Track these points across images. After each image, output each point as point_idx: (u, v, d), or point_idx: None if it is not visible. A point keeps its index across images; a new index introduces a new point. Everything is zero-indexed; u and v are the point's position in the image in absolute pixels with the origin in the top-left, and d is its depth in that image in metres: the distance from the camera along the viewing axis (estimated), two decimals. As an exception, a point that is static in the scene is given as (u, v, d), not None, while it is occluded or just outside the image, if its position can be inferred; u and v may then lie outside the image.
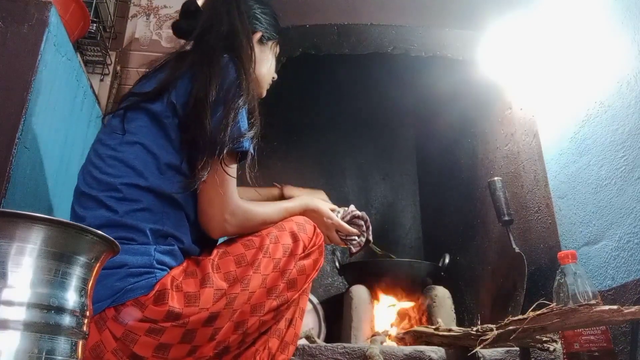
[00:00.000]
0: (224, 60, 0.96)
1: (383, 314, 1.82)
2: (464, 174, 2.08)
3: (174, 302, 0.81)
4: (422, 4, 1.71)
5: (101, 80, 1.77)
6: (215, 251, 0.92)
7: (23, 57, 1.11)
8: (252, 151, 0.96)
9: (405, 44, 1.74)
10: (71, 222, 0.54)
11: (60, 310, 0.52)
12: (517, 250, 1.53)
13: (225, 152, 0.88)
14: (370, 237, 1.16)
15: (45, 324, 0.50)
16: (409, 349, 1.23)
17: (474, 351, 1.13)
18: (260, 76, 1.16)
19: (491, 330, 1.08)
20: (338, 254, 2.01)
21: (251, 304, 0.88)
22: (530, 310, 1.05)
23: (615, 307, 0.92)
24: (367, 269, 1.87)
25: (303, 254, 0.96)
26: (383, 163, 2.49)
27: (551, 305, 1.01)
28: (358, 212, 1.16)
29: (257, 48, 1.13)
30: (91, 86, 1.45)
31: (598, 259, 1.28)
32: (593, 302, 1.02)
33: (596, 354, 1.05)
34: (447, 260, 1.86)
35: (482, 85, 1.84)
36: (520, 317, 1.05)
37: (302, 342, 1.36)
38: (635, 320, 0.94)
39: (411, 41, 1.73)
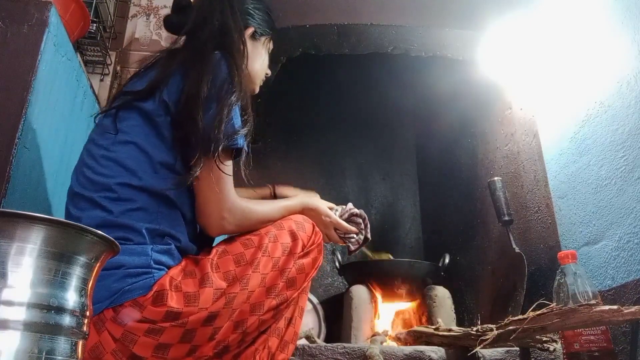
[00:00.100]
0: (216, 57, 0.95)
1: (383, 314, 1.82)
2: (464, 174, 2.08)
3: (173, 302, 0.81)
4: (422, 4, 1.71)
5: (101, 80, 1.77)
6: (214, 250, 0.91)
7: (23, 57, 1.11)
8: (246, 148, 0.95)
9: (405, 44, 1.74)
10: (71, 222, 0.54)
11: (60, 310, 0.52)
12: (517, 250, 1.53)
13: (219, 149, 0.88)
14: (369, 235, 1.16)
15: (45, 324, 0.50)
16: (409, 349, 1.23)
17: (474, 351, 1.13)
18: (252, 72, 1.16)
19: (491, 330, 1.08)
20: (338, 254, 2.01)
21: (250, 303, 0.88)
22: (530, 310, 1.05)
23: (615, 307, 0.92)
24: (367, 269, 1.87)
25: (302, 253, 0.96)
26: (383, 163, 2.49)
27: (551, 305, 1.01)
28: (356, 210, 1.16)
29: (249, 44, 1.12)
30: (91, 86, 1.45)
31: (598, 259, 1.28)
32: (593, 302, 1.02)
33: (596, 354, 1.05)
34: (447, 260, 1.86)
35: (482, 85, 1.83)
36: (520, 317, 1.05)
37: (302, 342, 1.36)
38: (635, 320, 0.94)
39: (411, 41, 1.73)
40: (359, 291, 1.76)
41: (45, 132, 1.16)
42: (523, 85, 1.70)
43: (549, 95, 1.57)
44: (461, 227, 2.04)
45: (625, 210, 1.20)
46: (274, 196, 1.33)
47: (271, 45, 1.22)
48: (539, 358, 1.21)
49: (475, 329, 1.14)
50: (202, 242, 0.97)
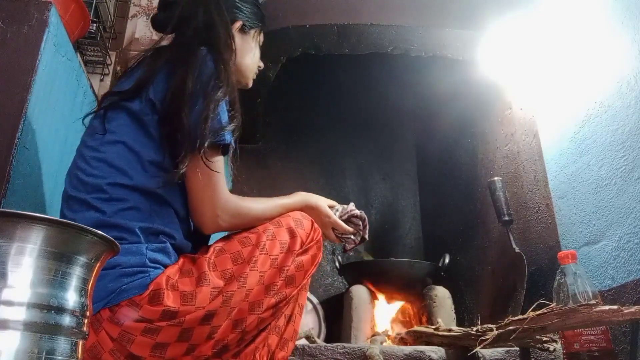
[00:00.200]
0: (202, 53, 0.94)
1: (383, 314, 1.82)
2: (464, 174, 2.08)
3: (170, 301, 0.81)
4: (422, 4, 1.71)
5: (101, 80, 1.77)
6: (211, 249, 0.91)
7: (23, 57, 1.11)
8: (233, 144, 0.94)
9: (405, 44, 1.74)
10: (71, 222, 0.54)
11: (60, 310, 0.52)
12: (517, 250, 1.53)
13: (206, 145, 0.87)
14: (367, 236, 1.16)
15: (45, 324, 0.50)
16: (409, 349, 1.23)
17: (474, 351, 1.13)
18: (243, 66, 1.15)
19: (491, 330, 1.08)
20: (338, 254, 2.02)
21: (249, 302, 0.87)
22: (530, 310, 1.05)
23: (615, 307, 0.92)
24: (367, 269, 1.87)
25: (301, 250, 0.96)
26: (383, 163, 2.49)
27: (551, 305, 1.01)
28: (357, 212, 1.16)
29: (238, 38, 1.11)
30: (91, 86, 1.45)
31: (598, 259, 1.28)
32: (593, 302, 1.02)
33: (596, 354, 1.05)
34: (447, 260, 1.86)
35: (482, 85, 1.83)
36: (520, 317, 1.05)
37: (302, 342, 1.36)
38: (635, 320, 0.94)
39: (411, 41, 1.73)
40: (359, 291, 1.77)
41: (45, 132, 1.16)
42: (523, 85, 1.70)
43: (549, 95, 1.57)
44: (461, 227, 2.04)
45: (625, 210, 1.20)
46: None
47: (262, 38, 1.21)
48: (539, 358, 1.21)
49: (475, 329, 1.14)
50: (197, 239, 0.97)
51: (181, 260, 0.89)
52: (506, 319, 1.08)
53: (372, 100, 2.50)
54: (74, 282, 0.54)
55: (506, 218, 1.58)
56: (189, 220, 0.96)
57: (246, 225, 0.97)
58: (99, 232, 0.56)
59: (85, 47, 1.73)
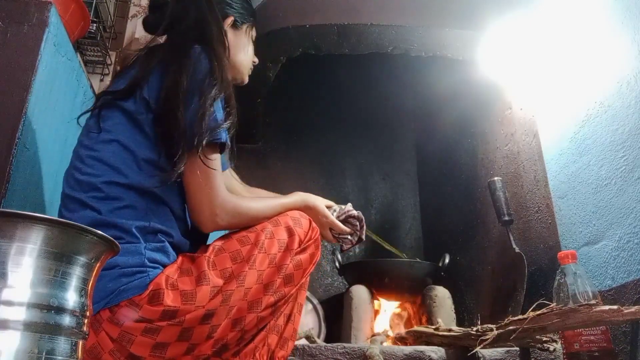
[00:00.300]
0: (196, 51, 0.94)
1: (383, 314, 1.82)
2: (464, 174, 2.08)
3: (170, 301, 0.81)
4: (422, 4, 1.71)
5: (101, 80, 1.77)
6: (210, 248, 0.91)
7: (23, 57, 1.11)
8: (228, 142, 0.94)
9: (405, 44, 1.74)
10: (71, 222, 0.54)
11: (60, 310, 0.52)
12: (517, 250, 1.53)
13: (203, 144, 0.87)
14: (363, 236, 1.16)
15: (45, 324, 0.50)
16: (409, 349, 1.23)
17: (474, 351, 1.13)
18: (237, 62, 1.15)
19: (491, 330, 1.08)
20: (338, 254, 2.02)
21: (248, 301, 0.87)
22: (530, 310, 1.05)
23: (615, 307, 0.92)
24: (367, 269, 1.87)
25: (299, 249, 0.96)
26: (383, 163, 2.49)
27: (551, 305, 1.01)
28: (354, 212, 1.16)
29: (230, 34, 1.11)
30: (91, 86, 1.45)
31: (598, 259, 1.28)
32: (593, 302, 1.02)
33: (596, 354, 1.05)
34: (447, 260, 1.86)
35: (482, 85, 1.83)
36: (520, 317, 1.05)
37: (302, 342, 1.36)
38: (635, 320, 0.94)
39: (411, 41, 1.73)
40: (359, 291, 1.77)
41: (45, 132, 1.16)
42: (523, 85, 1.70)
43: (549, 95, 1.57)
44: (461, 227, 2.04)
45: (625, 210, 1.20)
46: None
47: (254, 33, 1.21)
48: (539, 358, 1.21)
49: (475, 329, 1.14)
50: (195, 238, 0.97)
51: (180, 259, 0.89)
52: (506, 319, 1.08)
53: (372, 100, 2.50)
54: (74, 282, 0.54)
55: (506, 218, 1.58)
56: (186, 219, 0.96)
57: (245, 224, 0.97)
58: (99, 232, 0.56)
59: (85, 47, 1.73)
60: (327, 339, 1.86)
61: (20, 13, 1.14)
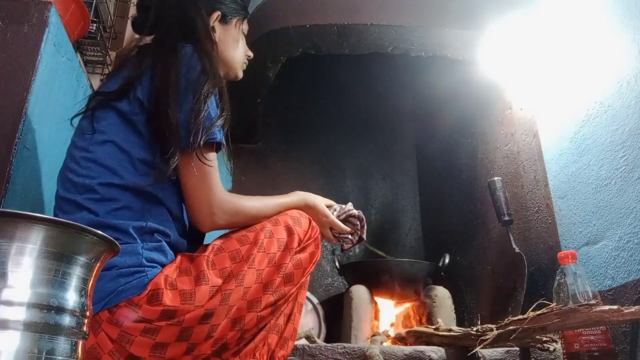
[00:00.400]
0: (187, 50, 0.94)
1: (383, 314, 1.82)
2: (464, 174, 2.08)
3: (169, 301, 0.81)
4: (422, 4, 1.71)
5: (101, 80, 1.77)
6: (209, 247, 0.91)
7: (23, 57, 1.11)
8: (223, 141, 0.94)
9: (405, 44, 1.74)
10: (71, 222, 0.54)
11: (60, 310, 0.52)
12: (517, 250, 1.53)
13: (199, 143, 0.87)
14: (364, 236, 1.16)
15: (45, 324, 0.50)
16: (409, 349, 1.23)
17: (474, 351, 1.13)
18: (228, 57, 1.13)
19: (491, 330, 1.08)
20: (338, 254, 2.02)
21: (247, 300, 0.87)
22: (530, 310, 1.05)
23: (615, 307, 0.92)
24: (367, 269, 1.87)
25: (299, 248, 0.96)
26: (383, 163, 2.49)
27: (551, 305, 1.01)
28: (355, 212, 1.16)
29: (219, 28, 1.10)
30: (91, 86, 1.45)
31: (598, 259, 1.28)
32: (593, 302, 1.02)
33: (596, 354, 1.05)
34: (447, 260, 1.86)
35: (482, 85, 1.83)
36: (520, 317, 1.05)
37: (302, 342, 1.36)
38: (635, 320, 0.94)
39: (411, 41, 1.73)
40: (359, 291, 1.76)
41: (46, 132, 1.16)
42: (523, 85, 1.70)
43: (549, 95, 1.57)
44: (461, 227, 2.04)
45: (625, 210, 1.20)
46: None
47: (245, 26, 1.19)
48: (539, 358, 1.21)
49: (475, 329, 1.14)
50: (192, 237, 0.97)
51: (179, 258, 0.89)
52: (506, 319, 1.08)
53: (372, 100, 2.50)
54: (74, 282, 0.54)
55: (506, 218, 1.58)
56: (183, 219, 0.96)
57: (244, 223, 0.96)
58: (99, 232, 0.56)
59: (85, 47, 1.73)
60: (327, 339, 1.86)
61: (20, 13, 1.14)
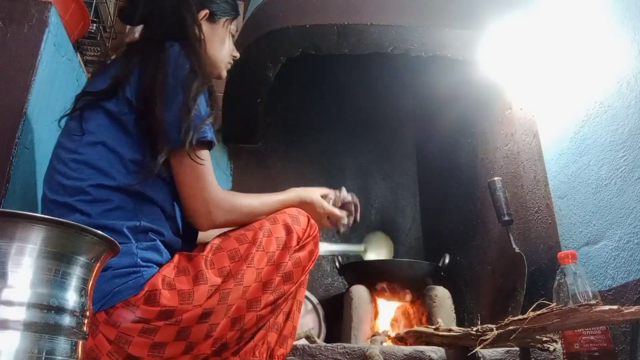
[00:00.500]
0: (172, 48, 0.93)
1: (383, 314, 1.82)
2: (464, 174, 2.08)
3: (166, 301, 0.81)
4: (422, 4, 1.70)
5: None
6: (208, 246, 0.91)
7: (23, 57, 1.11)
8: (214, 139, 0.94)
9: (405, 44, 1.74)
10: (71, 222, 0.54)
11: (60, 310, 0.52)
12: (517, 250, 1.53)
13: (189, 142, 0.87)
14: (358, 218, 1.19)
15: (45, 324, 0.50)
16: (409, 349, 1.23)
17: (474, 351, 1.13)
18: (213, 56, 1.13)
19: (491, 330, 1.08)
20: (338, 255, 2.01)
21: (247, 299, 0.87)
22: (530, 310, 1.05)
23: (615, 307, 0.92)
24: (367, 269, 1.87)
25: (297, 246, 0.96)
26: (383, 163, 2.49)
27: (551, 305, 1.01)
28: (349, 197, 1.19)
29: (206, 27, 1.09)
30: (91, 86, 1.45)
31: (598, 259, 1.28)
32: (593, 302, 1.02)
33: (596, 354, 1.05)
34: (447, 260, 1.86)
35: (482, 85, 1.83)
36: (520, 317, 1.05)
37: (302, 342, 1.36)
38: (635, 320, 0.94)
39: (411, 41, 1.73)
40: (359, 291, 1.76)
41: (46, 132, 1.16)
42: (523, 85, 1.70)
43: (549, 95, 1.57)
44: (461, 227, 2.04)
45: (625, 210, 1.20)
46: None
47: (234, 27, 1.19)
48: (539, 358, 1.21)
49: (475, 329, 1.14)
50: (185, 237, 0.97)
51: (177, 257, 0.89)
52: (506, 319, 1.08)
53: (372, 100, 2.50)
54: (74, 282, 0.54)
55: (506, 218, 1.58)
56: (176, 218, 0.95)
57: (242, 221, 0.96)
58: (99, 232, 0.56)
59: (85, 47, 1.73)
60: (327, 339, 1.86)
61: (20, 13, 1.14)
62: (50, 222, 0.52)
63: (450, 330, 1.24)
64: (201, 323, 0.83)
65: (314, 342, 1.40)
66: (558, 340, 1.14)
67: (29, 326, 0.49)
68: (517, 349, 1.21)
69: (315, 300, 1.95)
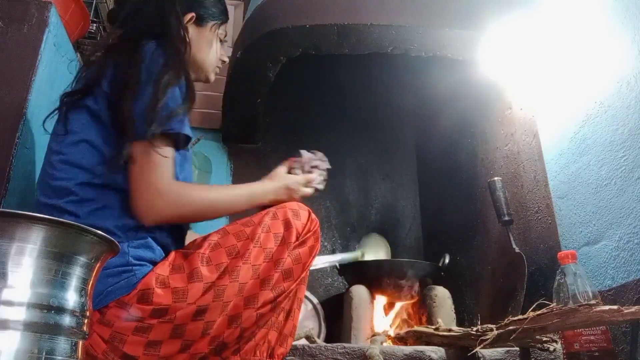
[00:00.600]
0: (148, 45, 0.93)
1: (383, 314, 1.82)
2: (464, 174, 2.08)
3: (159, 299, 0.81)
4: (422, 4, 1.70)
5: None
6: (206, 243, 0.90)
7: (23, 57, 1.11)
8: (185, 132, 0.92)
9: (405, 44, 1.74)
10: (71, 222, 0.54)
11: (60, 310, 0.52)
12: (517, 250, 1.53)
13: (152, 133, 0.86)
14: (329, 165, 1.19)
15: (45, 324, 0.50)
16: (409, 349, 1.23)
17: (474, 351, 1.13)
18: (199, 60, 1.13)
19: (491, 330, 1.08)
20: (338, 253, 2.01)
21: (244, 296, 0.86)
22: (530, 310, 1.05)
23: (615, 307, 0.92)
24: (367, 269, 1.87)
25: (297, 242, 0.94)
26: (383, 163, 2.49)
27: (551, 305, 1.01)
28: (313, 156, 1.18)
29: (193, 30, 1.10)
30: (91, 86, 1.45)
31: (598, 259, 1.28)
32: (593, 302, 1.02)
33: (596, 354, 1.05)
34: (447, 260, 1.86)
35: (482, 85, 1.83)
36: (520, 317, 1.05)
37: (302, 342, 1.36)
38: (635, 320, 0.94)
39: (411, 41, 1.73)
40: (359, 291, 1.76)
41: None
42: (523, 85, 1.70)
43: (549, 95, 1.57)
44: (461, 227, 2.04)
45: (625, 211, 1.20)
46: None
47: (222, 31, 1.19)
48: (539, 358, 1.21)
49: (475, 329, 1.14)
50: (176, 233, 0.97)
51: (173, 255, 0.88)
52: (506, 319, 1.08)
53: (372, 100, 2.50)
54: (74, 282, 0.54)
55: (506, 218, 1.58)
56: None
57: (198, 215, 0.94)
58: (99, 232, 0.56)
59: (85, 47, 1.73)
60: (327, 339, 1.86)
61: (20, 13, 1.14)
62: (51, 222, 0.52)
63: (450, 330, 1.24)
64: (196, 320, 0.82)
65: (314, 342, 1.40)
66: (558, 340, 1.14)
67: (29, 326, 0.49)
68: (517, 349, 1.21)
69: (315, 300, 1.95)
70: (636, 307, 0.91)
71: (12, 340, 0.48)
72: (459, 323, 1.77)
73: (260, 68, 1.84)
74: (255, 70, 1.86)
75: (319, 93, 2.46)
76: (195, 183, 0.97)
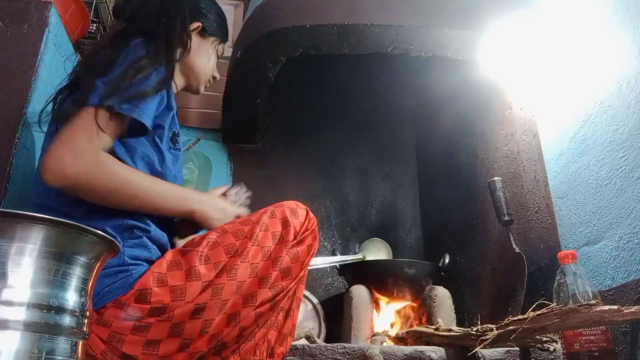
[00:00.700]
0: (135, 40, 0.94)
1: (383, 314, 1.82)
2: (464, 174, 2.08)
3: (157, 298, 0.81)
4: (422, 4, 1.70)
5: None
6: (205, 242, 0.90)
7: (23, 57, 1.11)
8: (142, 120, 0.87)
9: (405, 44, 1.74)
10: (72, 222, 0.54)
11: (60, 310, 0.52)
12: (517, 250, 1.53)
13: (103, 104, 0.83)
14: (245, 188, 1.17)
15: (45, 324, 0.50)
16: (409, 349, 1.23)
17: (474, 351, 1.13)
18: (196, 67, 1.15)
19: (491, 330, 1.08)
20: (338, 254, 2.02)
21: (242, 295, 0.86)
22: (530, 310, 1.05)
23: (615, 307, 0.92)
24: (367, 269, 1.87)
25: (295, 241, 0.94)
26: (383, 163, 2.49)
27: (551, 305, 1.01)
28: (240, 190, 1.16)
29: (196, 39, 1.13)
30: (91, 86, 1.45)
31: (598, 259, 1.28)
32: (593, 302, 1.02)
33: (596, 354, 1.05)
34: (447, 260, 1.86)
35: (482, 85, 1.83)
36: (520, 317, 1.05)
37: (302, 342, 1.36)
38: (635, 320, 0.94)
39: (411, 41, 1.73)
40: (359, 291, 1.76)
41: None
42: (523, 85, 1.70)
43: (549, 95, 1.57)
44: (461, 227, 2.04)
45: (625, 211, 1.20)
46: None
47: (222, 49, 1.23)
48: (539, 358, 1.21)
49: (475, 329, 1.14)
50: (166, 230, 0.96)
51: (170, 253, 0.88)
52: (506, 319, 1.08)
53: (372, 100, 2.50)
54: (74, 282, 0.54)
55: (506, 218, 1.58)
56: (158, 217, 0.94)
57: (108, 186, 0.84)
58: (99, 232, 0.56)
59: (85, 47, 1.73)
60: (327, 339, 1.86)
61: (20, 13, 1.14)
62: (51, 222, 0.52)
63: (450, 330, 1.24)
64: (194, 319, 0.82)
65: (314, 342, 1.40)
66: (558, 340, 1.14)
67: (29, 326, 0.49)
68: (517, 349, 1.21)
69: (315, 300, 1.95)
70: (636, 307, 0.91)
71: (12, 340, 0.48)
72: (459, 323, 1.77)
73: (260, 68, 1.84)
74: (255, 70, 1.86)
75: (319, 93, 2.46)
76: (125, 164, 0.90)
